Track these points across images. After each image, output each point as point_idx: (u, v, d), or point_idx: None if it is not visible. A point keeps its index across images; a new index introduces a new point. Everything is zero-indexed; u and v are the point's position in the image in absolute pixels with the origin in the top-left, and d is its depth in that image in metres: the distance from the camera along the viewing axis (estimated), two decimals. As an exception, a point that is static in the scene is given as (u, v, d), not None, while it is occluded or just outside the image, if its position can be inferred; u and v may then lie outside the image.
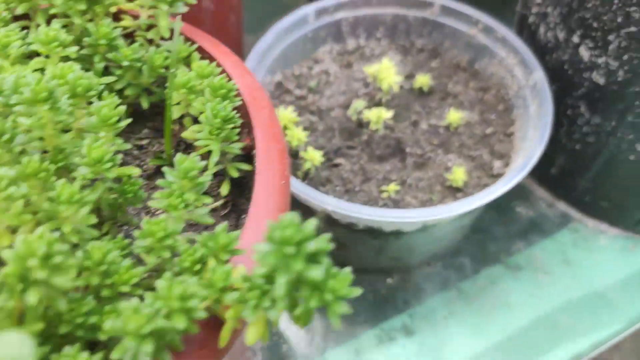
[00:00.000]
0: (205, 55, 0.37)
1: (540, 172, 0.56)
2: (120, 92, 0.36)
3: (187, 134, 0.33)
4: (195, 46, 0.37)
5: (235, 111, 0.31)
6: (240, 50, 0.67)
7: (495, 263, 0.55)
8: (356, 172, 0.50)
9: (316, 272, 0.19)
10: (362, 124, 0.53)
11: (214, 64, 0.34)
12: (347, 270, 0.21)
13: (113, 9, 0.37)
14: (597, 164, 0.53)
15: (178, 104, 0.34)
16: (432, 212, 0.41)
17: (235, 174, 0.33)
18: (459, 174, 0.48)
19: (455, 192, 0.49)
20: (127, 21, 0.37)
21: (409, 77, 0.58)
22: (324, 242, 0.20)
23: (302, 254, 0.19)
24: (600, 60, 0.47)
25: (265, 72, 0.54)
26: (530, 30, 0.55)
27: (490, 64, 0.56)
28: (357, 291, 0.21)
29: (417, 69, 0.59)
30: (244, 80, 0.35)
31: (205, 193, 0.30)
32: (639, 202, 0.54)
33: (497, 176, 0.49)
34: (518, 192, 0.60)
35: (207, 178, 0.28)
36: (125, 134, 0.36)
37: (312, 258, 0.20)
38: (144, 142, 0.37)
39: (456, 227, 0.51)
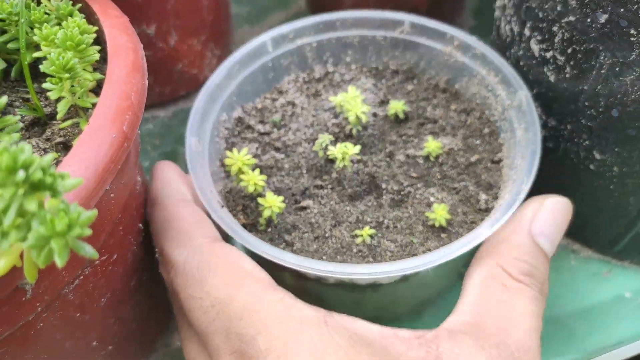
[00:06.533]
0: (92, 16, 0.39)
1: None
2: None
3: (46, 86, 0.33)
4: (78, 5, 0.38)
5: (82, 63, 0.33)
6: (224, 36, 0.68)
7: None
8: (326, 216, 0.44)
9: (30, 204, 0.19)
10: (331, 160, 0.47)
11: (82, 21, 0.35)
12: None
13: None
14: (562, 173, 0.47)
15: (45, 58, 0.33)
16: (408, 265, 0.36)
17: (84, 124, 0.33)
18: (440, 212, 0.42)
19: (439, 231, 0.43)
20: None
21: (383, 103, 0.53)
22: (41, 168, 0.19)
23: (14, 181, 0.19)
24: (549, 55, 0.42)
25: (220, 110, 0.48)
26: (496, 26, 0.50)
27: (471, 83, 0.51)
28: (87, 232, 0.20)
29: (392, 94, 0.53)
30: (118, 40, 0.36)
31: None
32: (610, 221, 0.48)
33: (484, 211, 0.43)
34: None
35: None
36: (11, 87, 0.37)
37: (37, 186, 0.19)
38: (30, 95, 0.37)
39: (445, 271, 0.45)
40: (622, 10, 0.34)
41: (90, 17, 0.39)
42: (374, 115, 0.51)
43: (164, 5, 0.57)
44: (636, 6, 0.33)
